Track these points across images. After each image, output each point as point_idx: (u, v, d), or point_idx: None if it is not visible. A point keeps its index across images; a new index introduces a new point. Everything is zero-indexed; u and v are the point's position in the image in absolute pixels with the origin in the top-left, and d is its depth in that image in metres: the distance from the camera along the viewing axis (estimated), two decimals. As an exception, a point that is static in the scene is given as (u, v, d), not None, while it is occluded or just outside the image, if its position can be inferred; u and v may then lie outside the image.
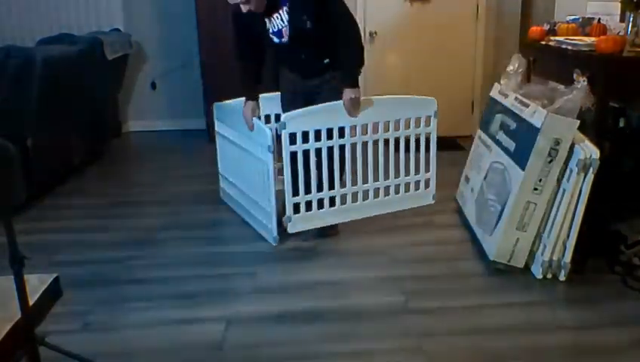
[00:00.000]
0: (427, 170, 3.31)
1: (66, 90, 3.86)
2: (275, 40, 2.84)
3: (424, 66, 4.82)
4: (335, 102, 2.86)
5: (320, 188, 2.99)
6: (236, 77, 3.19)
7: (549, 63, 3.12)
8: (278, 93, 3.19)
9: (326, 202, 3.03)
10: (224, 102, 3.41)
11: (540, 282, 2.56)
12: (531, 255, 2.63)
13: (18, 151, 3.52)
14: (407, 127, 3.17)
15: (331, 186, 3.01)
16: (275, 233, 2.94)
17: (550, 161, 2.49)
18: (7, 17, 5.15)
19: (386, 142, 3.13)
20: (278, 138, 2.90)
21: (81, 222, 3.38)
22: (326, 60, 2.87)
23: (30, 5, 5.14)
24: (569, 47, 2.84)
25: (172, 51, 5.31)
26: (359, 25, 2.93)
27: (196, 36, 4.84)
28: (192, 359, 2.10)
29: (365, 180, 3.13)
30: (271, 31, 2.82)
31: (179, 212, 3.47)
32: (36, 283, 2.40)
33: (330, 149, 2.94)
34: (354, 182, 3.09)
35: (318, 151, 2.93)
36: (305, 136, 2.89)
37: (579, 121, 2.46)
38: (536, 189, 2.53)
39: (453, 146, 4.65)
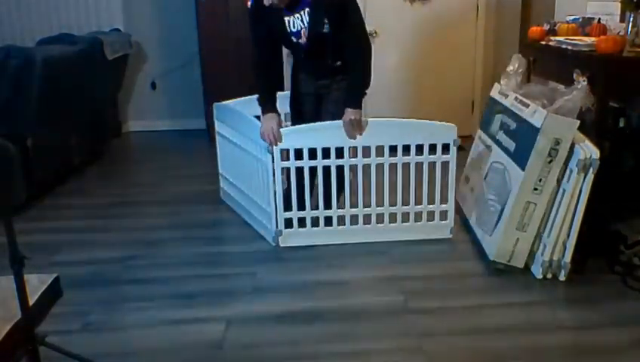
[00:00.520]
0: (444, 200, 2.99)
1: (66, 90, 3.86)
2: (294, 39, 2.85)
3: (424, 66, 4.82)
4: (333, 121, 2.81)
5: (316, 207, 2.92)
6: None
7: (549, 63, 3.12)
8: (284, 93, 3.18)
9: (322, 221, 2.95)
10: (224, 102, 3.42)
11: (540, 282, 2.56)
12: (531, 255, 2.63)
13: (18, 151, 3.53)
14: (421, 152, 2.91)
15: (328, 206, 2.93)
16: (274, 233, 2.94)
17: (550, 161, 2.49)
18: (7, 17, 5.15)
19: (394, 166, 2.90)
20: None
21: (81, 222, 3.38)
22: (339, 63, 2.89)
23: (30, 5, 5.14)
24: (569, 47, 2.84)
25: (172, 51, 5.32)
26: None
27: (196, 36, 4.84)
28: (192, 359, 2.10)
29: (368, 204, 2.94)
30: (289, 30, 2.82)
31: (179, 212, 3.47)
32: (36, 283, 2.40)
33: (327, 168, 2.87)
34: (354, 204, 2.94)
35: (314, 170, 2.87)
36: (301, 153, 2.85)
37: (579, 121, 2.46)
38: (536, 189, 2.53)
39: (453, 146, 4.64)
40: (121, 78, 5.11)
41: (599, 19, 3.10)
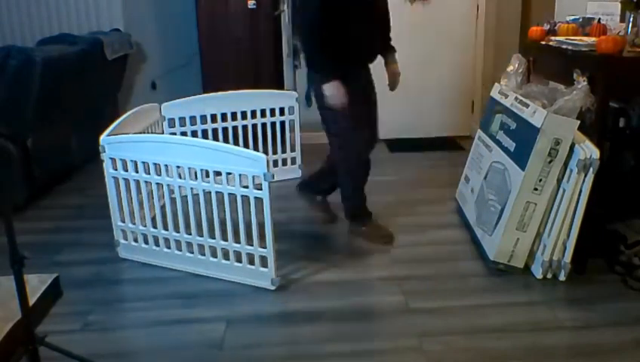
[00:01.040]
0: (262, 244, 2.46)
1: (66, 90, 3.86)
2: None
3: (424, 66, 4.81)
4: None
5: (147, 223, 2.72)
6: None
7: (549, 63, 3.11)
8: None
9: (161, 241, 2.72)
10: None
11: (540, 282, 2.56)
12: (531, 255, 2.63)
13: (18, 151, 3.56)
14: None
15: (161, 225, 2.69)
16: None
17: (550, 161, 2.49)
18: (7, 17, 5.15)
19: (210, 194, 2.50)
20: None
21: (81, 222, 3.37)
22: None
23: (30, 5, 5.13)
24: (569, 47, 2.84)
25: (172, 51, 5.31)
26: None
27: (196, 36, 4.84)
28: (192, 359, 2.11)
29: (189, 232, 2.63)
30: None
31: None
32: (36, 283, 2.40)
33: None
34: (178, 230, 2.65)
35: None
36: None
37: (579, 121, 2.46)
38: (536, 189, 2.53)
39: (453, 146, 4.65)
40: (121, 78, 5.11)
41: (599, 19, 3.10)
